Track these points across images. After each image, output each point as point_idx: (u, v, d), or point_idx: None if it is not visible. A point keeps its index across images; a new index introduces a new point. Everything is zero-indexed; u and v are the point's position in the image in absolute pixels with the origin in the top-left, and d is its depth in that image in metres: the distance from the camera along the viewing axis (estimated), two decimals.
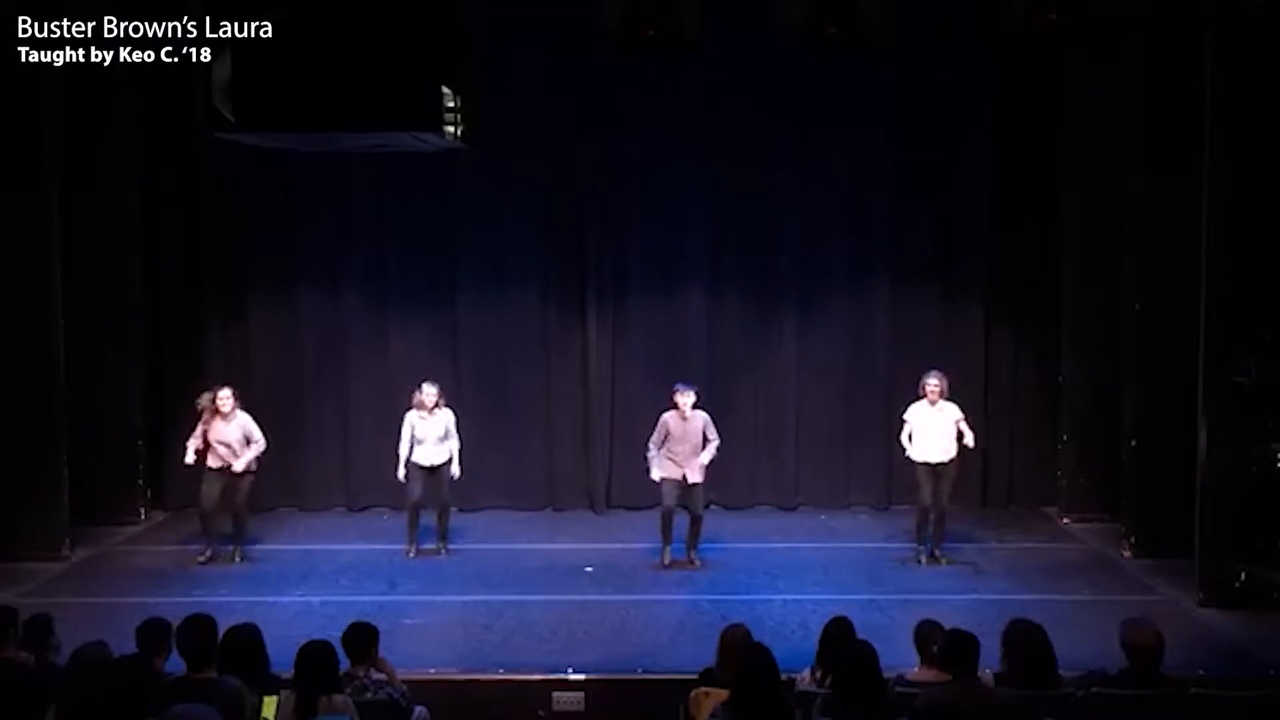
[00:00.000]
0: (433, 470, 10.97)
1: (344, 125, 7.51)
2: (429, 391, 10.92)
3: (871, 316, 12.82)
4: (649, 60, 11.57)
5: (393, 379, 12.77)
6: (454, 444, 11.00)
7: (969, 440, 10.66)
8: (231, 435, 10.67)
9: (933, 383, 10.61)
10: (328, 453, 12.90)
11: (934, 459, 10.61)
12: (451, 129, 7.54)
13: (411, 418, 10.96)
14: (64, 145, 10.98)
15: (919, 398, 10.70)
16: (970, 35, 12.04)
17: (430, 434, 10.92)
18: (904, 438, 10.72)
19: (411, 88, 7.27)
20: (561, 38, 12.10)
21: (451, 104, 7.51)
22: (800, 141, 12.63)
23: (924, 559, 10.72)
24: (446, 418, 11.00)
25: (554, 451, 12.84)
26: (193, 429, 10.72)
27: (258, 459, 10.87)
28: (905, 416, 10.74)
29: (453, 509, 11.32)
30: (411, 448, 10.94)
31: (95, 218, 11.71)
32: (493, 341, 12.73)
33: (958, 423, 10.63)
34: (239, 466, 10.68)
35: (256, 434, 10.81)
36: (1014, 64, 12.26)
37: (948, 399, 10.67)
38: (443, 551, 11.10)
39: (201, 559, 10.82)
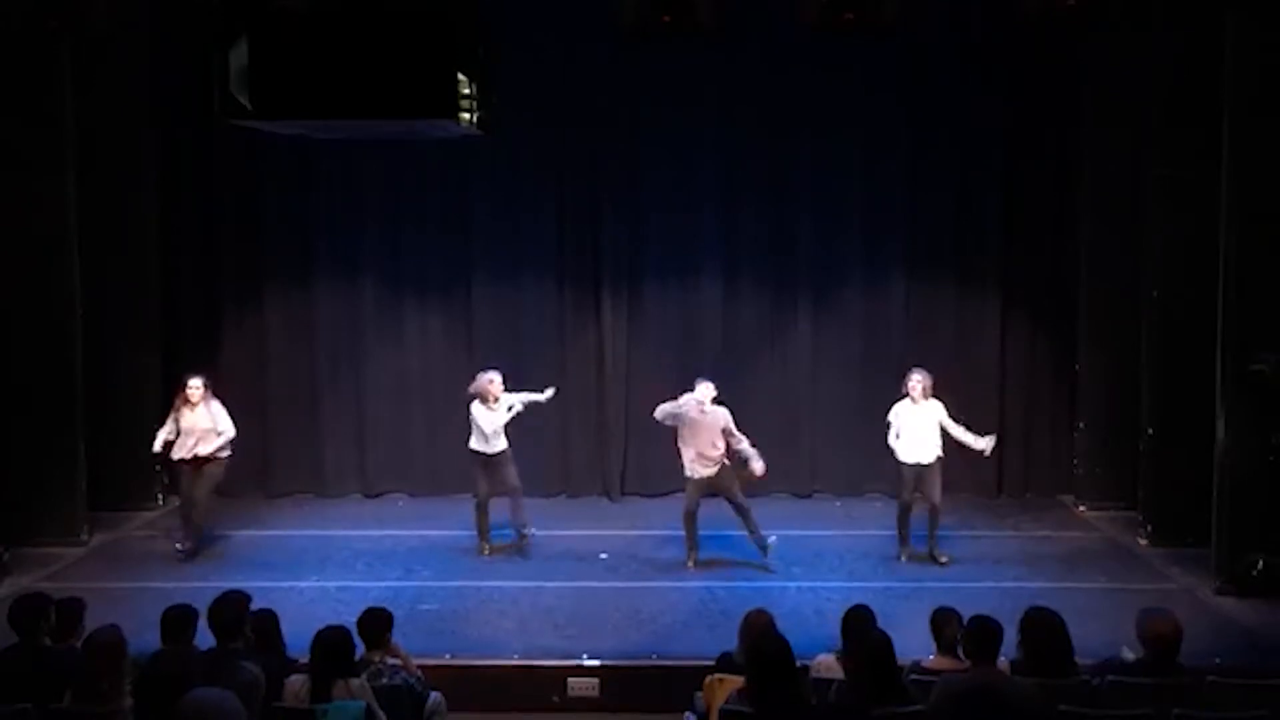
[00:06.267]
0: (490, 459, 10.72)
1: (359, 113, 7.53)
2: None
3: (887, 305, 12.79)
4: (666, 50, 11.57)
5: (408, 367, 12.84)
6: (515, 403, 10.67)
7: (978, 443, 10.46)
8: (200, 424, 10.56)
9: (916, 378, 10.43)
10: (344, 439, 12.93)
11: (924, 459, 10.41)
12: (467, 116, 7.54)
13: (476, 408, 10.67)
14: (81, 134, 11.01)
15: (902, 397, 10.51)
16: (986, 24, 11.99)
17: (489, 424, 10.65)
18: (891, 438, 10.51)
19: (427, 75, 7.27)
20: (578, 26, 12.07)
21: (467, 91, 7.51)
22: (816, 131, 12.59)
23: (905, 556, 10.52)
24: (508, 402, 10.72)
25: (569, 439, 12.85)
26: (164, 418, 10.65)
27: (229, 449, 10.74)
28: (890, 418, 10.51)
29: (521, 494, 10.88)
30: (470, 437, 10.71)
31: (112, 206, 11.73)
32: (508, 330, 12.74)
33: (941, 422, 10.44)
34: (204, 452, 10.55)
35: (224, 424, 10.68)
36: (1030, 53, 12.19)
37: (930, 397, 10.49)
38: (526, 540, 10.79)
39: (180, 548, 10.66)
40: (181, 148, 12.45)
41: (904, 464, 10.48)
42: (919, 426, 10.43)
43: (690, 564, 10.41)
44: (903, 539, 10.63)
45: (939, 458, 10.47)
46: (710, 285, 12.78)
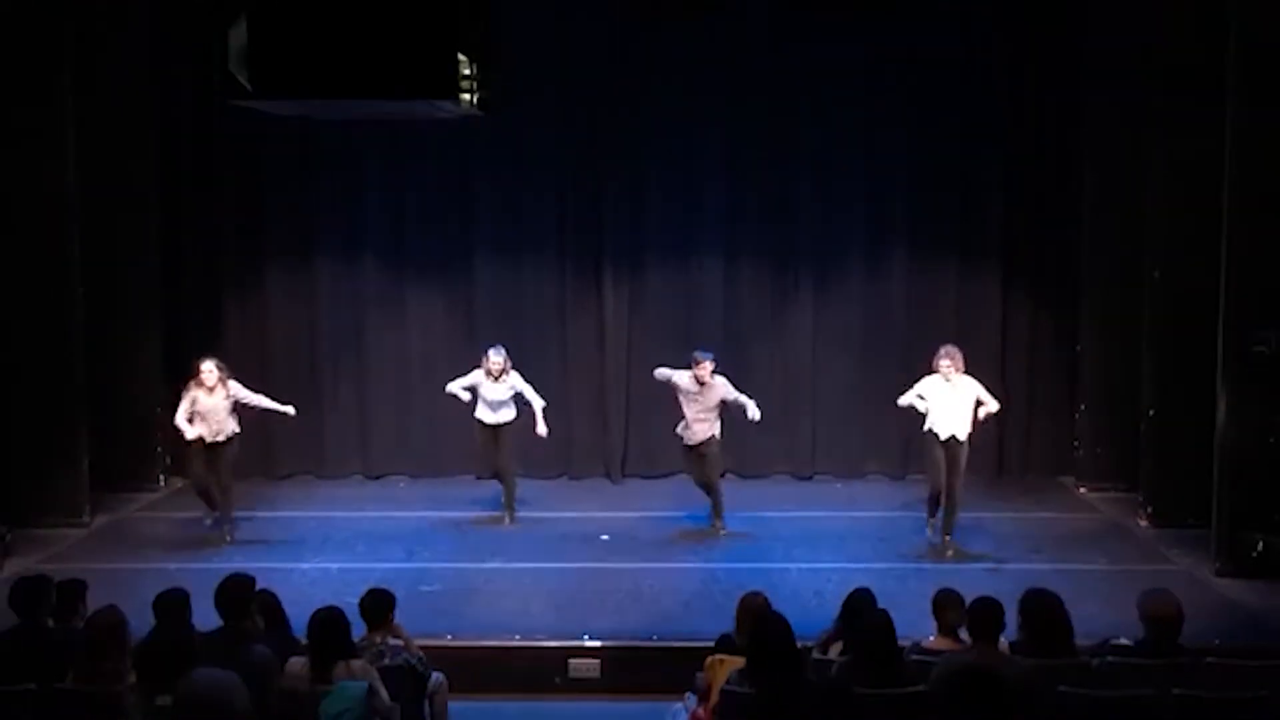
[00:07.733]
0: (494, 430, 11.01)
1: (360, 92, 7.50)
2: (494, 360, 10.86)
3: (888, 285, 12.78)
4: (668, 28, 11.52)
5: (410, 348, 12.85)
6: (537, 403, 10.95)
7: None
8: (218, 407, 10.45)
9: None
10: (345, 421, 12.94)
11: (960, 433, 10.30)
12: (468, 96, 7.51)
13: (477, 376, 10.96)
14: (81, 118, 10.96)
15: (932, 372, 10.32)
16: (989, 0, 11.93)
17: (494, 397, 10.95)
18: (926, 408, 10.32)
19: (427, 54, 7.24)
20: (580, 4, 12.04)
21: (468, 71, 7.47)
22: (817, 109, 12.55)
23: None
24: (514, 382, 10.97)
25: (570, 420, 12.83)
26: (176, 405, 10.49)
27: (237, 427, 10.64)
28: (924, 393, 10.28)
29: (515, 477, 11.27)
30: (474, 403, 10.98)
31: (114, 188, 11.71)
32: (510, 311, 12.73)
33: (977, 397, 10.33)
34: (222, 437, 10.45)
35: (246, 395, 10.58)
36: (1033, 31, 12.15)
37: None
38: (507, 521, 11.07)
39: (209, 522, 10.77)
40: (183, 130, 12.42)
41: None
42: (952, 403, 10.19)
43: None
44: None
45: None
46: (712, 265, 12.77)
